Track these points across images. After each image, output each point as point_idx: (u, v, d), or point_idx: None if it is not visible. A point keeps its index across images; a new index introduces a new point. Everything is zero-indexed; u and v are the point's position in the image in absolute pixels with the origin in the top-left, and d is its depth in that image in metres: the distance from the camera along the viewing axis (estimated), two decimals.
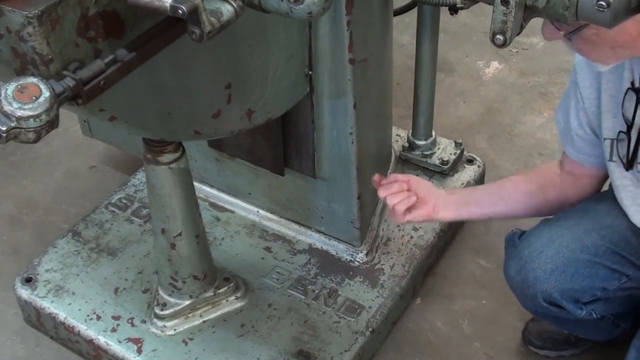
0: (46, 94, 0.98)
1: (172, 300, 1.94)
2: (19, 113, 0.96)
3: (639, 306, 1.86)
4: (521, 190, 1.77)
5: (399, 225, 2.20)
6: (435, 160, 2.35)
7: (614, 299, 1.73)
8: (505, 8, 1.07)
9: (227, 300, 1.99)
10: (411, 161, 2.38)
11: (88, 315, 1.99)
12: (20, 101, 0.97)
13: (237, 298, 2.01)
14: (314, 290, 2.04)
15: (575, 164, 1.71)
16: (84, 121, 2.51)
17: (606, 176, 1.72)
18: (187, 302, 1.94)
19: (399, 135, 2.45)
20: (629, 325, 1.88)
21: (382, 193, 1.72)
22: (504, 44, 1.11)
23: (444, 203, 1.75)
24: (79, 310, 2.01)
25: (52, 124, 0.99)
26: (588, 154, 1.69)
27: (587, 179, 1.74)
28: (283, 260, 2.13)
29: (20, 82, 0.99)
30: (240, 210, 2.26)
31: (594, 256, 1.66)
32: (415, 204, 1.70)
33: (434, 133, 2.38)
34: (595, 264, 1.66)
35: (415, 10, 2.13)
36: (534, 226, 1.76)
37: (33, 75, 1.04)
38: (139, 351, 1.91)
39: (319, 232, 2.16)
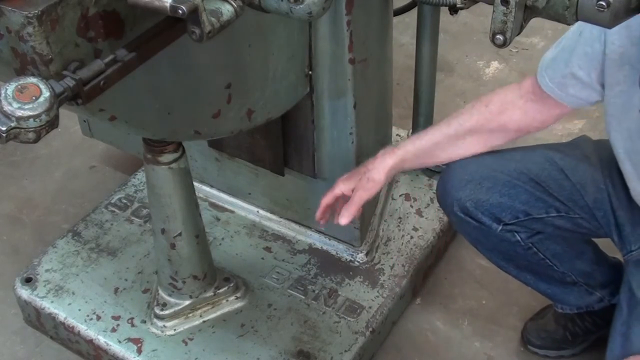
0: (46, 94, 0.98)
1: (172, 300, 1.94)
2: (19, 113, 0.96)
3: (615, 277, 1.88)
4: (482, 136, 1.70)
5: (399, 225, 2.21)
6: None
7: (555, 236, 1.75)
8: (505, 8, 1.07)
9: (227, 300, 1.99)
10: None
11: (88, 315, 1.99)
12: (20, 101, 0.97)
13: (237, 298, 2.01)
14: (314, 290, 2.04)
15: (549, 98, 1.63)
16: (84, 121, 2.51)
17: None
18: (187, 302, 1.94)
19: (399, 135, 2.45)
20: (606, 295, 1.89)
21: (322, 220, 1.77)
22: (504, 44, 1.11)
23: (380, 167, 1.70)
24: (79, 310, 2.01)
25: (52, 124, 0.99)
26: (573, 95, 1.60)
27: (555, 111, 1.65)
28: (283, 260, 2.13)
29: (20, 82, 0.99)
30: (240, 210, 2.26)
31: (514, 179, 1.69)
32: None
33: None
34: (516, 186, 1.68)
35: (415, 10, 2.13)
36: None
37: (33, 75, 1.04)
38: (139, 351, 1.91)
39: (319, 232, 2.16)
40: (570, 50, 1.58)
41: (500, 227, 1.70)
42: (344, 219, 1.67)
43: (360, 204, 1.68)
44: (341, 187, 1.72)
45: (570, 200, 1.69)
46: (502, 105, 1.67)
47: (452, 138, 1.70)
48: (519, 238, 1.73)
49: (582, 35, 1.55)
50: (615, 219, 1.70)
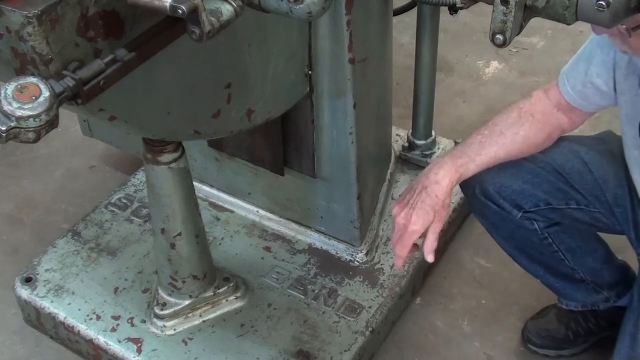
0: (46, 94, 0.98)
1: (172, 300, 1.94)
2: (19, 113, 0.96)
3: (623, 279, 1.89)
4: (534, 144, 1.70)
5: None
6: (435, 160, 2.35)
7: (571, 229, 1.75)
8: (505, 8, 1.07)
9: (227, 300, 1.99)
10: (411, 161, 2.38)
11: (88, 315, 1.99)
12: (20, 101, 0.97)
13: (237, 298, 2.00)
14: (314, 290, 2.04)
15: (571, 106, 1.68)
16: (84, 121, 2.51)
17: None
18: (187, 302, 1.94)
19: (399, 135, 2.44)
20: (612, 296, 1.90)
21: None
22: (504, 44, 1.11)
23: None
24: (79, 310, 2.01)
25: (52, 124, 0.99)
26: (594, 103, 1.66)
27: (583, 116, 1.71)
28: (283, 260, 2.13)
29: (20, 82, 0.99)
30: (240, 210, 2.26)
31: (539, 167, 1.69)
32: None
33: (434, 133, 2.38)
34: (539, 175, 1.69)
35: (415, 10, 2.13)
36: None
37: (33, 75, 1.04)
38: (139, 351, 1.91)
39: (319, 232, 2.16)
40: (589, 59, 1.61)
41: (520, 214, 1.71)
42: (432, 257, 1.59)
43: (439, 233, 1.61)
44: (420, 230, 1.60)
45: (592, 194, 1.70)
46: (544, 116, 1.69)
47: (508, 148, 1.67)
48: (537, 227, 1.73)
49: (599, 44, 1.59)
50: (634, 217, 1.70)
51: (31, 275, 2.09)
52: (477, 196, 1.73)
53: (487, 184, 1.70)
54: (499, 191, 1.69)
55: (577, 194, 1.70)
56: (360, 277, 2.08)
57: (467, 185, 1.74)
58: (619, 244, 1.88)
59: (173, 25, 1.13)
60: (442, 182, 1.60)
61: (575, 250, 1.81)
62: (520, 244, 1.81)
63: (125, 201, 2.33)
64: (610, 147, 1.76)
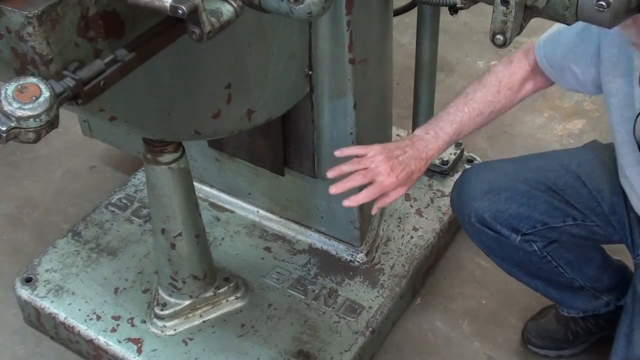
0: (46, 94, 0.99)
1: (172, 300, 1.94)
2: (19, 113, 0.96)
3: (621, 281, 1.89)
4: (504, 106, 1.70)
5: (399, 225, 2.21)
6: (435, 160, 2.34)
7: (569, 244, 1.75)
8: (505, 8, 1.07)
9: (227, 300, 1.99)
10: None
11: (88, 315, 1.99)
12: (20, 101, 0.97)
13: (237, 298, 2.01)
14: (314, 290, 2.04)
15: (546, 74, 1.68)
16: (84, 121, 2.51)
17: None
18: (187, 302, 1.94)
19: (399, 135, 2.44)
20: (612, 300, 1.90)
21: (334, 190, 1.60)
22: (504, 44, 1.11)
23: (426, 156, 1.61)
24: (79, 310, 2.01)
25: (52, 124, 0.99)
26: (569, 83, 1.65)
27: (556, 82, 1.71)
28: (283, 260, 2.13)
29: (20, 82, 0.99)
30: (240, 210, 2.26)
31: (533, 188, 1.69)
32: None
33: None
34: (534, 196, 1.68)
35: (415, 10, 2.13)
36: None
37: (33, 75, 1.04)
38: (139, 351, 1.91)
39: (319, 232, 2.16)
40: (568, 45, 1.60)
41: (519, 238, 1.70)
42: (374, 210, 1.58)
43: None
44: (392, 181, 1.54)
45: (587, 207, 1.70)
46: (521, 84, 1.68)
47: (482, 117, 1.66)
48: (535, 248, 1.73)
49: (579, 34, 1.57)
50: (629, 222, 1.70)
51: (31, 275, 2.09)
52: (472, 223, 1.72)
53: (482, 210, 1.69)
54: (494, 217, 1.69)
55: (573, 209, 1.69)
56: (360, 277, 2.08)
57: (461, 213, 1.74)
58: (616, 246, 1.87)
59: (173, 25, 1.13)
60: (426, 155, 1.58)
61: (574, 263, 1.81)
62: (519, 263, 1.81)
63: (125, 201, 2.33)
64: (600, 156, 1.75)
